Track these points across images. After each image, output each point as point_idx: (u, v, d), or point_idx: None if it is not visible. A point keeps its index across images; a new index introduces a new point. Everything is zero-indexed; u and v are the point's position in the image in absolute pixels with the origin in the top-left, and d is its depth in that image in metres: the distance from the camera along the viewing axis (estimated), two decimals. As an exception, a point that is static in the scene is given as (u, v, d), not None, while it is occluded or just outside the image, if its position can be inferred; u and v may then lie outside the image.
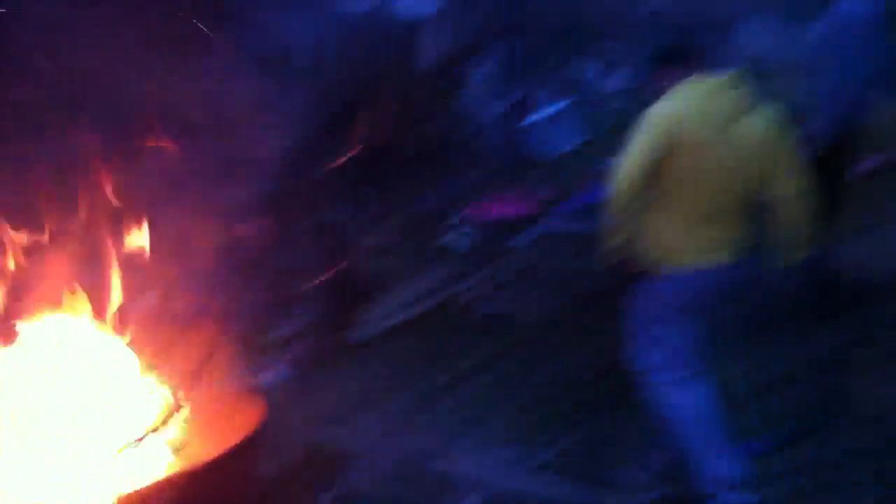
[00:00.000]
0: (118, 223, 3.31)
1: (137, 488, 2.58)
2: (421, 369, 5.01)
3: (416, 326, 5.70)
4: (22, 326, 2.92)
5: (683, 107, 3.33)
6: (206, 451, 2.87)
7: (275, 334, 5.22)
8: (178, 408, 2.64)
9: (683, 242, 3.39)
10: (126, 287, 3.21)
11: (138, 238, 3.25)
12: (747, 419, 3.79)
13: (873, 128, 4.89)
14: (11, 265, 3.02)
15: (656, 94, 3.41)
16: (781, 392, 4.19)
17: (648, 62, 3.61)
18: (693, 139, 3.27)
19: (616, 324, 3.60)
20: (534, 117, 10.87)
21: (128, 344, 3.08)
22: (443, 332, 5.54)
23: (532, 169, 10.04)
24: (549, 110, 11.33)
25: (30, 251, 3.06)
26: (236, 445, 2.88)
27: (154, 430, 2.74)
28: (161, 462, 2.93)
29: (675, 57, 3.48)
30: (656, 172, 3.30)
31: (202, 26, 3.83)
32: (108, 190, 3.22)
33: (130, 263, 3.28)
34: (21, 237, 3.03)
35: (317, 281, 5.12)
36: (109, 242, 3.17)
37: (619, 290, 3.62)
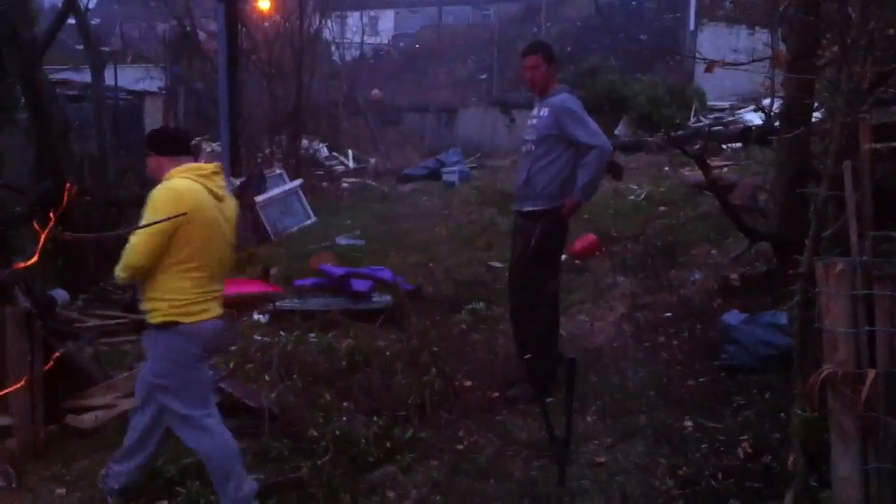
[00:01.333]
0: None
1: None
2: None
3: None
4: None
5: (188, 187, 3.95)
6: None
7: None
8: None
9: (197, 299, 3.97)
10: None
11: None
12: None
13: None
14: None
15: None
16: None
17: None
18: (201, 214, 3.92)
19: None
20: (264, 196, 10.85)
21: None
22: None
23: (266, 247, 9.99)
24: (280, 189, 11.37)
25: None
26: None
27: None
28: None
29: (174, 146, 4.16)
30: (168, 243, 3.87)
31: None
32: None
33: None
34: None
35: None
36: None
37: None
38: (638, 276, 7.95)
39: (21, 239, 7.62)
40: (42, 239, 2.24)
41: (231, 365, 5.93)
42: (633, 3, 25.96)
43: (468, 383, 5.76)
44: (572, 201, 5.44)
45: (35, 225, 2.30)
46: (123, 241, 3.92)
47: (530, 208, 5.56)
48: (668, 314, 6.79)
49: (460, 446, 4.95)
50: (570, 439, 4.57)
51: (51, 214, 2.31)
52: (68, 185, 2.35)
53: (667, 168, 13.27)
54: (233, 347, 6.31)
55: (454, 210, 12.22)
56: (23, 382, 4.05)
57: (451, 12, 31.75)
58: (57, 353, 4.63)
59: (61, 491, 4.53)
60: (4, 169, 9.73)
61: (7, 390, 2.48)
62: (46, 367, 3.70)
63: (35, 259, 2.26)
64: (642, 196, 11.12)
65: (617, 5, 25.83)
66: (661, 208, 10.41)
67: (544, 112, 5.52)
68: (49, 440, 4.98)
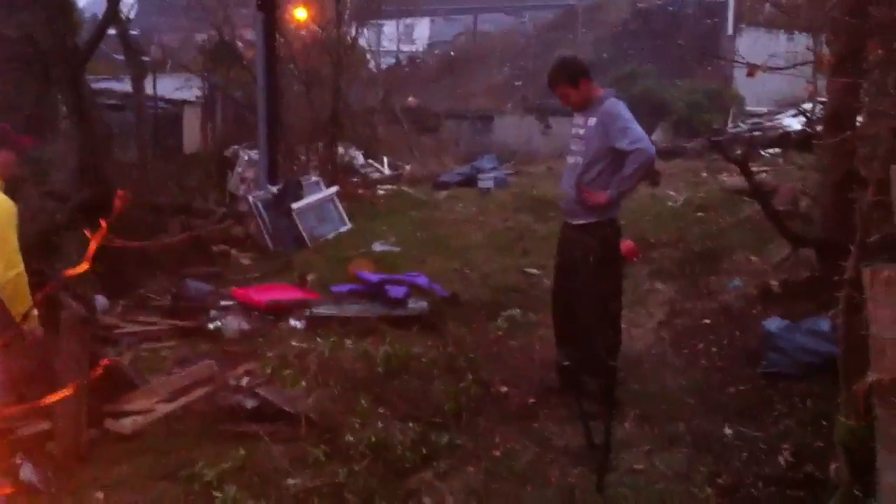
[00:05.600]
0: None
1: None
2: (182, 467, 4.74)
3: (182, 418, 5.41)
4: None
5: None
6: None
7: (25, 431, 4.77)
8: None
9: None
10: None
11: None
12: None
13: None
14: None
15: None
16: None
17: None
18: None
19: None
20: (301, 203, 10.91)
21: None
22: (209, 425, 5.29)
23: (302, 253, 10.03)
24: (317, 196, 11.42)
25: None
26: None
27: None
28: None
29: None
30: None
31: None
32: None
33: None
34: None
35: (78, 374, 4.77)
36: None
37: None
38: (676, 283, 7.88)
39: (64, 245, 7.73)
40: (93, 246, 2.26)
41: (268, 370, 5.96)
42: (671, 7, 25.81)
43: (505, 389, 5.73)
44: (601, 196, 5.33)
45: (86, 232, 2.32)
46: (165, 248, 3.94)
47: (582, 221, 5.46)
48: (708, 321, 6.72)
49: (497, 452, 4.91)
50: (610, 446, 4.53)
51: (102, 222, 2.33)
52: (120, 193, 2.37)
53: (704, 174, 13.16)
54: (270, 353, 6.33)
55: (490, 216, 12.20)
56: (74, 388, 4.07)
57: (487, 19, 31.78)
58: (106, 360, 4.66)
59: (100, 495, 4.54)
60: (47, 177, 9.86)
61: (59, 395, 2.50)
62: (96, 373, 3.72)
63: (86, 266, 2.28)
64: (680, 202, 11.03)
65: (654, 10, 25.70)
66: (700, 214, 10.32)
67: (591, 122, 5.41)
68: (89, 445, 5.02)
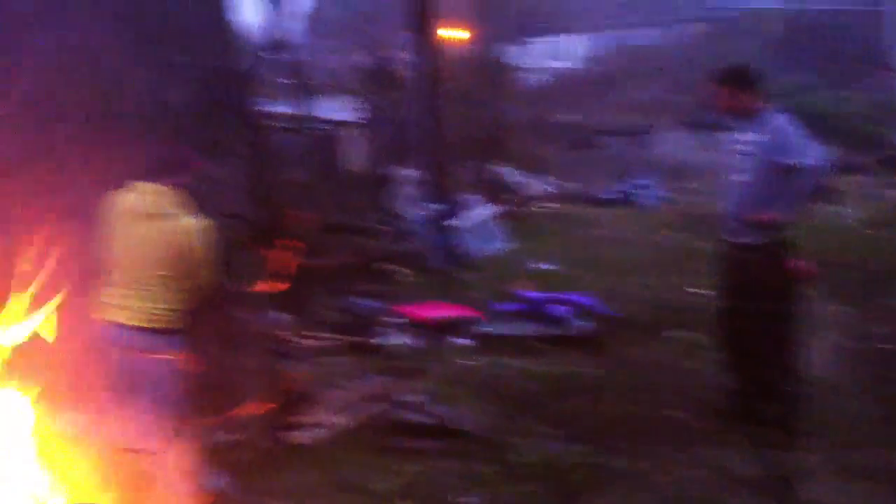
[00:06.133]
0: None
1: None
2: (359, 480, 4.86)
3: (356, 432, 5.56)
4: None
5: None
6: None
7: (215, 439, 5.01)
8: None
9: None
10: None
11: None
12: None
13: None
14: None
15: None
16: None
17: None
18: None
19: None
20: (462, 220, 11.03)
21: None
22: (381, 440, 5.41)
23: (464, 271, 10.14)
24: (477, 214, 11.53)
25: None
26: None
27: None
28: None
29: None
30: None
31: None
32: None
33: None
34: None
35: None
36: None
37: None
38: (856, 304, 7.51)
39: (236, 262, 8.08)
40: (294, 264, 2.37)
41: (435, 387, 6.05)
42: (828, 18, 24.75)
43: (677, 413, 5.60)
44: (771, 215, 5.11)
45: (278, 251, 2.44)
46: (336, 266, 4.07)
47: (749, 241, 5.26)
48: (891, 345, 6.38)
49: (671, 479, 4.80)
50: (791, 477, 4.36)
51: (296, 243, 2.45)
52: (309, 215, 2.49)
53: (880, 189, 12.54)
54: (436, 370, 6.43)
55: (649, 234, 12.00)
56: (261, 401, 4.28)
57: (641, 34, 31.33)
58: (293, 375, 4.86)
59: (284, 504, 4.72)
60: (220, 197, 10.32)
61: (249, 408, 2.62)
62: (285, 387, 3.88)
63: (288, 285, 2.39)
64: (856, 219, 10.54)
65: (812, 20, 24.71)
66: (876, 232, 9.82)
67: (758, 137, 5.25)
68: (270, 455, 5.22)
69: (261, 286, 2.43)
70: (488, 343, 7.12)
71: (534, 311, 7.61)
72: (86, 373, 4.12)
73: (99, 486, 2.32)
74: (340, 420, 5.54)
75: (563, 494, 4.59)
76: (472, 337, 7.30)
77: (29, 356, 2.61)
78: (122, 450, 3.37)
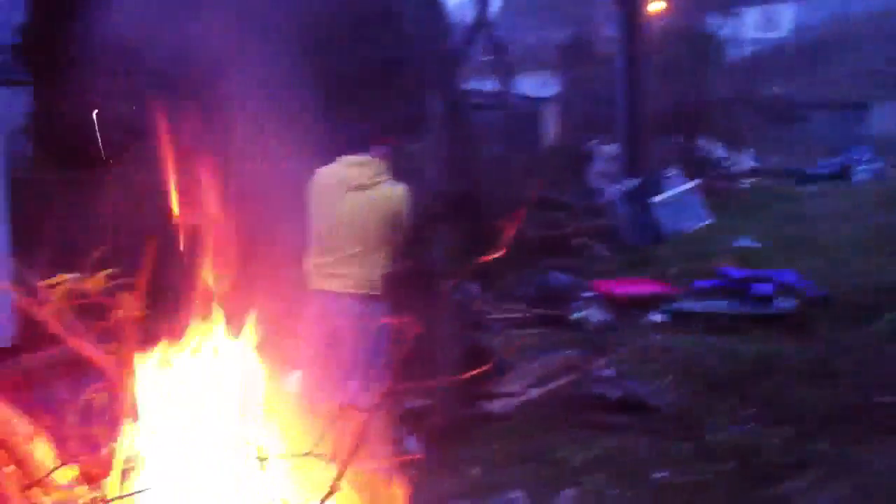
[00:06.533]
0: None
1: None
2: (550, 451, 4.91)
3: (548, 403, 5.62)
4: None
5: None
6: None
7: (409, 405, 5.21)
8: (336, 488, 2.58)
9: None
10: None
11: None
12: None
13: None
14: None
15: None
16: None
17: None
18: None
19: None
20: (661, 196, 10.83)
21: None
22: (572, 412, 5.43)
23: (661, 247, 9.98)
24: (676, 190, 11.28)
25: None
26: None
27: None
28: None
29: None
30: None
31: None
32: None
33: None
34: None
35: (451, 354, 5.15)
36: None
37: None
38: None
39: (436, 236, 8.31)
40: (509, 232, 2.46)
41: (630, 363, 6.02)
42: None
43: (887, 399, 5.31)
44: None
45: (504, 223, 2.53)
46: (535, 240, 4.09)
47: None
48: None
49: (873, 468, 4.56)
50: None
51: (516, 215, 2.54)
52: (532, 191, 2.58)
53: None
54: (631, 346, 6.39)
55: (863, 211, 11.31)
56: (453, 370, 4.40)
57: (858, 1, 29.30)
58: (487, 345, 4.96)
59: (476, 471, 4.85)
60: (421, 172, 10.62)
61: (442, 377, 2.72)
62: (479, 357, 3.98)
63: (503, 252, 2.49)
64: None
65: None
66: None
67: None
68: (463, 423, 5.37)
69: (499, 253, 2.54)
70: (685, 320, 6.98)
71: (735, 289, 7.39)
72: (305, 338, 4.37)
73: (315, 440, 2.49)
74: (532, 392, 5.62)
75: (758, 476, 4.46)
76: (668, 313, 7.19)
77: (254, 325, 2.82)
78: (335, 408, 3.57)
